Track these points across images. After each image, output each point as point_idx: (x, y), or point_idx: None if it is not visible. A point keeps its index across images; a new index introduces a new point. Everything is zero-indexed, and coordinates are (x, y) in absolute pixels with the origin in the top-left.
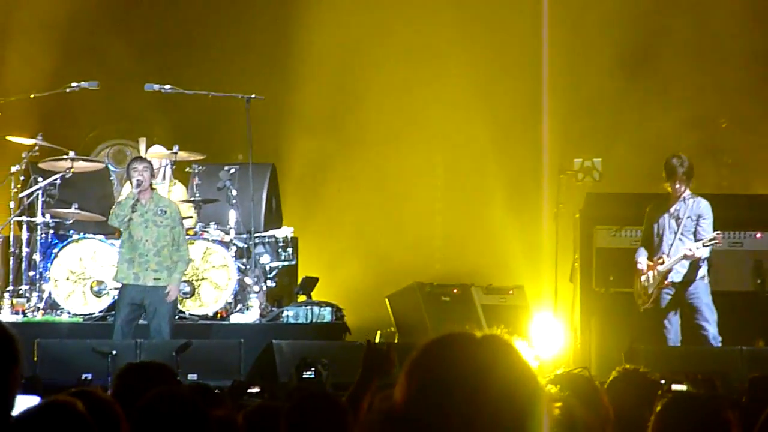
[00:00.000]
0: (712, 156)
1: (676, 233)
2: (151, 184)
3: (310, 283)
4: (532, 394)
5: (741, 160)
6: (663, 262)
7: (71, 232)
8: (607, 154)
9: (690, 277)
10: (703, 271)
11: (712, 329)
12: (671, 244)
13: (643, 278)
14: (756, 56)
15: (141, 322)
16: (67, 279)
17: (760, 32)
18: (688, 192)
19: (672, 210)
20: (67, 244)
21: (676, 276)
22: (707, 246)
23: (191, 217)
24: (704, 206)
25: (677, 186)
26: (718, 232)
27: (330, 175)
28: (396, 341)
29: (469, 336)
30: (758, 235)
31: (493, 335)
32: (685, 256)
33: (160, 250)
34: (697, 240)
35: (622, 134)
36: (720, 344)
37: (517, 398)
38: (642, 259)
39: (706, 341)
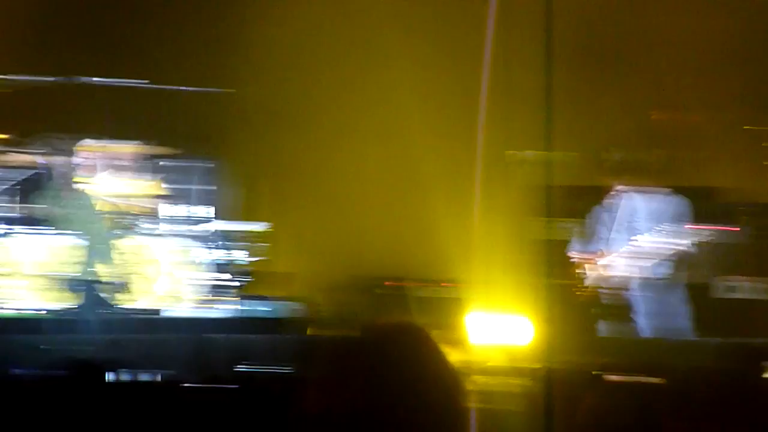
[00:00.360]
0: (648, 147)
1: (612, 230)
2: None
3: (251, 275)
4: (444, 377)
5: (678, 151)
6: (602, 256)
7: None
8: (541, 147)
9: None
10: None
11: (652, 319)
12: (608, 239)
13: (581, 270)
14: (706, 42)
15: None
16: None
17: (711, 17)
18: (624, 188)
19: (605, 205)
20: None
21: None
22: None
23: (132, 210)
24: (638, 204)
25: (615, 180)
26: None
27: (263, 176)
28: (335, 335)
29: (376, 328)
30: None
31: (397, 323)
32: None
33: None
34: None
35: (559, 126)
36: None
37: (432, 383)
38: (579, 253)
39: (644, 330)
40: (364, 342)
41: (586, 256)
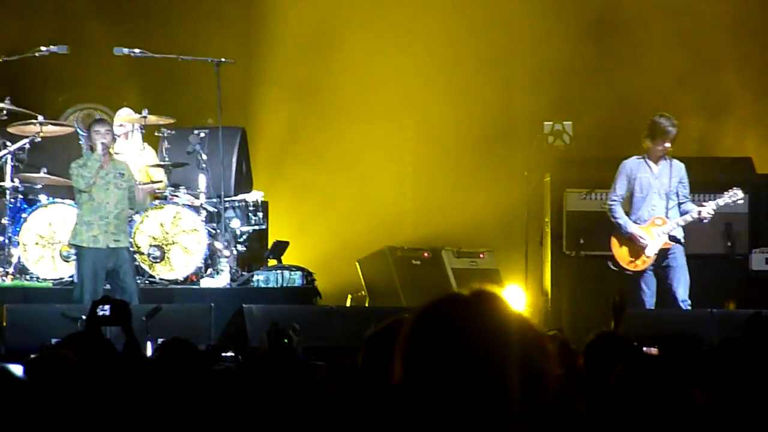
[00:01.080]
0: (684, 120)
1: (667, 194)
2: (111, 147)
3: (281, 247)
4: (533, 344)
5: (712, 122)
6: (663, 224)
7: (40, 196)
8: (577, 117)
9: (680, 239)
10: (682, 233)
11: (681, 292)
12: (667, 206)
13: (641, 238)
14: (731, 22)
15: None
16: (36, 244)
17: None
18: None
19: (656, 171)
20: (36, 209)
21: (678, 234)
22: (728, 203)
23: (161, 181)
24: (683, 169)
25: (666, 145)
26: (737, 188)
27: (300, 138)
28: (366, 305)
29: (456, 297)
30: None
31: (481, 291)
32: (700, 219)
33: (119, 213)
34: (681, 202)
35: (593, 97)
36: (689, 307)
37: (521, 350)
38: (627, 220)
39: (675, 303)
40: (445, 310)
41: (640, 224)
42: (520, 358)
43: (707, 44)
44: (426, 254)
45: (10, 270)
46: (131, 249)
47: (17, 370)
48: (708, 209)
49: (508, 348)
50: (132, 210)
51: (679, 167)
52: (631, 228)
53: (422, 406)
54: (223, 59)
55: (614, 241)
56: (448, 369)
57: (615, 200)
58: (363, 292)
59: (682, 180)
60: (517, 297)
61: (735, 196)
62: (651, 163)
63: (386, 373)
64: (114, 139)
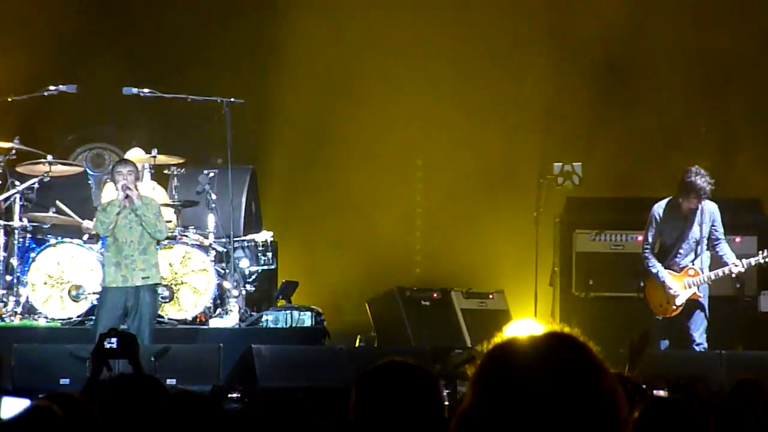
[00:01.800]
0: (693, 160)
1: (698, 241)
2: (136, 187)
3: (290, 287)
4: (606, 390)
5: (720, 165)
6: (696, 275)
7: (49, 236)
8: (587, 159)
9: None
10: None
11: (697, 335)
12: (697, 252)
13: (673, 288)
14: (741, 61)
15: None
16: (45, 283)
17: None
18: None
19: (688, 218)
20: (44, 249)
21: (707, 287)
22: (761, 262)
23: (170, 221)
24: (714, 209)
25: (700, 203)
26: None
27: (310, 179)
28: (376, 346)
29: (532, 335)
30: (737, 240)
31: (557, 331)
32: (732, 273)
33: (145, 249)
34: (716, 244)
35: (602, 139)
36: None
37: (590, 394)
38: (661, 268)
39: (690, 345)
40: (522, 346)
41: (672, 272)
42: (598, 398)
43: (717, 83)
44: (435, 295)
45: (19, 309)
46: (160, 285)
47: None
48: (740, 267)
49: (586, 387)
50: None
51: (710, 211)
52: (664, 277)
53: None
54: (232, 99)
55: (648, 285)
56: (505, 404)
57: (647, 248)
58: (373, 333)
59: (715, 223)
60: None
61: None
62: (682, 210)
63: (379, 415)
64: (137, 179)
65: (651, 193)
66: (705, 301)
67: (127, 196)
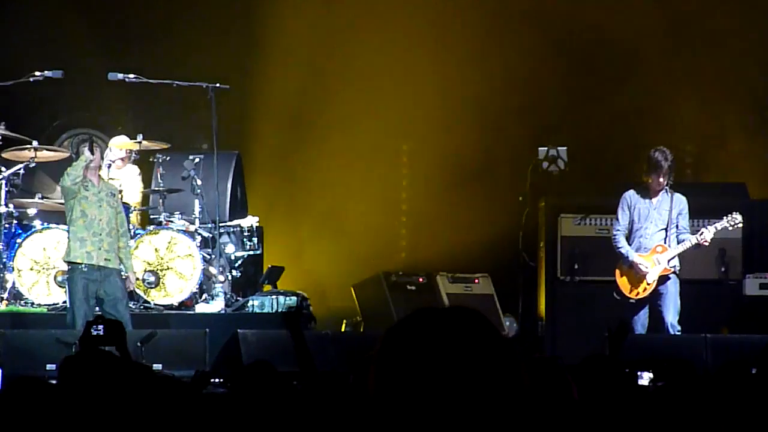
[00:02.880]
0: (675, 145)
1: (666, 226)
2: (100, 166)
3: (276, 272)
4: (507, 361)
5: (704, 149)
6: (664, 251)
7: (35, 222)
8: (572, 143)
9: (676, 267)
10: (677, 261)
11: (670, 317)
12: (666, 236)
13: (643, 266)
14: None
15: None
16: (31, 269)
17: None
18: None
19: (654, 201)
20: (30, 234)
21: (675, 262)
22: (726, 229)
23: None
24: (684, 202)
25: (660, 180)
26: (736, 212)
27: (295, 164)
28: (362, 330)
29: (432, 311)
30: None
31: (456, 307)
32: (698, 245)
33: (110, 231)
34: (680, 233)
35: (588, 123)
36: (678, 332)
37: (492, 367)
38: (629, 249)
39: (664, 327)
40: (418, 323)
41: (640, 254)
42: (492, 372)
43: (701, 69)
44: (421, 279)
45: (5, 295)
46: (122, 274)
47: None
48: (707, 234)
49: (478, 361)
50: (126, 239)
51: (679, 200)
52: (633, 257)
53: (394, 418)
54: (218, 85)
55: (617, 271)
56: (418, 381)
57: (618, 230)
58: (358, 318)
59: (682, 212)
60: (519, 320)
61: (734, 220)
62: (651, 194)
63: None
64: (101, 158)
65: (636, 178)
66: (673, 285)
67: (93, 163)
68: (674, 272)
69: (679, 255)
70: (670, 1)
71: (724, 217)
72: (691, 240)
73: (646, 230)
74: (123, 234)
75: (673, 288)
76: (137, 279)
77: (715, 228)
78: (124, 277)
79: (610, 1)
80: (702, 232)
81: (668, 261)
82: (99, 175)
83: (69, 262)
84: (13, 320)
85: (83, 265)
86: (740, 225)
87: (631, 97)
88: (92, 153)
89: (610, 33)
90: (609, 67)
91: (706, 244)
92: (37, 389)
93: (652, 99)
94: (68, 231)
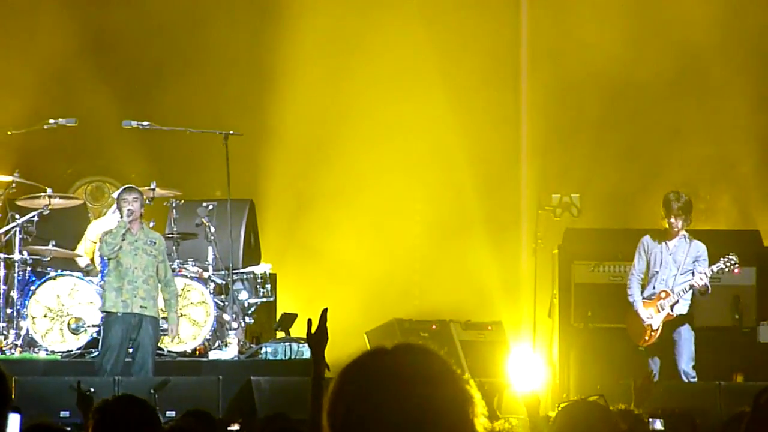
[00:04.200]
0: (692, 193)
1: (676, 273)
2: (141, 215)
3: (289, 319)
4: (455, 394)
5: (720, 196)
6: (667, 296)
7: (49, 269)
8: (585, 190)
9: (683, 312)
10: (688, 307)
11: (683, 364)
12: (674, 282)
13: (645, 315)
14: (746, 96)
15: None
16: (45, 316)
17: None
18: (684, 231)
19: (670, 247)
20: (44, 281)
21: (682, 309)
22: (723, 270)
23: None
24: (702, 249)
25: (672, 221)
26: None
27: (308, 212)
28: None
29: (379, 350)
30: (736, 271)
31: (405, 343)
32: (691, 286)
33: (147, 279)
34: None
35: (601, 170)
36: (693, 379)
37: (441, 400)
38: (637, 298)
39: (678, 374)
40: (366, 363)
41: (646, 300)
42: (446, 406)
43: (717, 113)
44: (434, 326)
45: (19, 342)
46: (158, 320)
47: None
48: (699, 275)
49: (428, 398)
50: (170, 288)
51: (697, 247)
52: (637, 306)
53: None
54: (231, 132)
55: (628, 316)
56: (375, 420)
57: (632, 276)
58: None
59: (698, 259)
60: (534, 368)
61: (730, 261)
62: (667, 239)
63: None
64: (142, 205)
65: (650, 224)
66: (686, 331)
67: (131, 222)
68: (685, 320)
69: (693, 302)
70: (680, 43)
71: (721, 259)
72: (691, 283)
73: (661, 275)
74: (166, 284)
75: (686, 335)
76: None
77: (711, 270)
78: (162, 328)
79: (626, 49)
80: (695, 273)
81: (671, 307)
82: (141, 223)
83: (105, 312)
84: (27, 367)
85: (118, 316)
86: (736, 266)
87: (644, 145)
88: (129, 215)
89: (624, 81)
90: (622, 115)
91: (698, 285)
92: None
93: (666, 146)
94: (104, 281)
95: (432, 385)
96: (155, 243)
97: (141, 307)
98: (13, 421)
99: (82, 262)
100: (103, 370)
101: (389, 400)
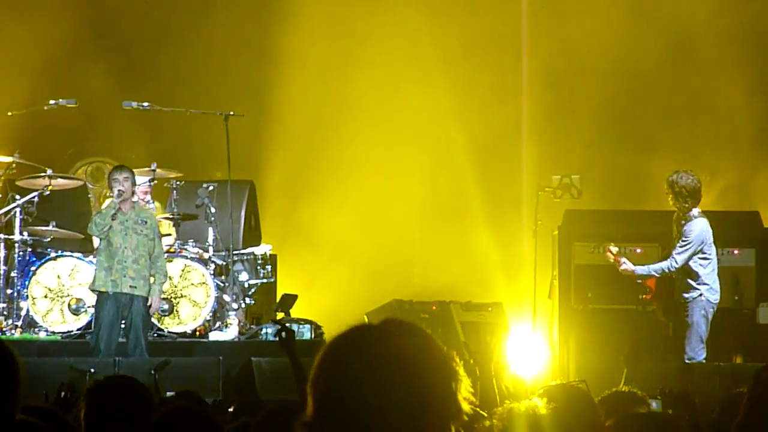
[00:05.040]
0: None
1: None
2: (132, 194)
3: (289, 300)
4: (439, 370)
5: (720, 177)
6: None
7: (49, 249)
8: (585, 171)
9: (685, 297)
10: (699, 291)
11: (689, 347)
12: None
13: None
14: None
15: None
16: (45, 297)
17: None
18: (695, 210)
19: (676, 226)
20: (44, 262)
21: (685, 291)
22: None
23: (170, 234)
24: (690, 228)
25: (671, 203)
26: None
27: (308, 192)
28: None
29: (364, 327)
30: (735, 252)
31: (389, 320)
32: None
33: (138, 258)
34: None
35: (601, 151)
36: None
37: (424, 377)
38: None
39: (683, 357)
40: (352, 340)
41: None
42: (430, 383)
43: (716, 95)
44: (434, 307)
45: (19, 323)
46: (147, 300)
47: None
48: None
49: (416, 374)
50: (157, 265)
51: (687, 225)
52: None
53: None
54: (231, 113)
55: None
56: (356, 397)
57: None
58: None
59: (683, 236)
60: (534, 349)
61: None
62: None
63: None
64: (133, 185)
65: (649, 205)
66: (690, 311)
67: (121, 202)
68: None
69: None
70: (678, 24)
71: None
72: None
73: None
74: (154, 260)
75: (693, 317)
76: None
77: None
78: (163, 308)
79: (628, 29)
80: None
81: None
82: (133, 203)
83: (94, 291)
84: (27, 348)
85: (108, 295)
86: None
87: (645, 124)
88: (119, 196)
89: (626, 61)
90: (624, 95)
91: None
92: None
93: (666, 127)
94: (96, 260)
95: (416, 362)
96: (146, 222)
97: (131, 287)
98: None
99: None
100: (97, 349)
101: (371, 376)
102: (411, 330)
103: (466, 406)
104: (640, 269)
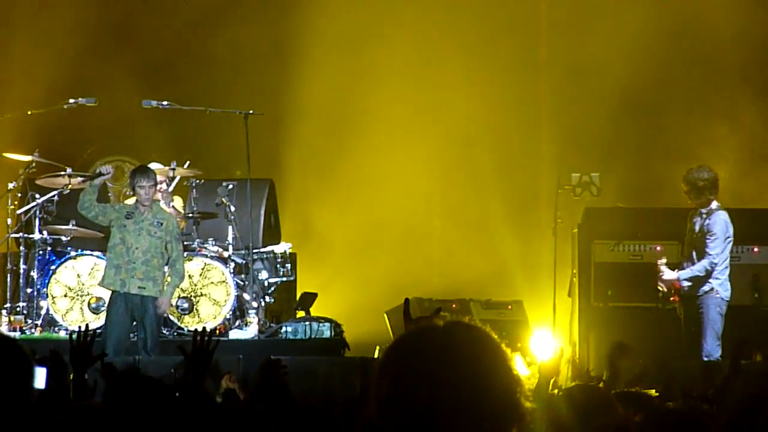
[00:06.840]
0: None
1: (691, 245)
2: (155, 192)
3: (309, 298)
4: (506, 372)
5: (738, 175)
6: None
7: (69, 248)
8: (605, 169)
9: (696, 291)
10: (710, 285)
11: (706, 344)
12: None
13: (660, 285)
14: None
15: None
16: (65, 296)
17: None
18: (715, 203)
19: (694, 221)
20: (64, 261)
21: (684, 288)
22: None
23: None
24: (714, 221)
25: (691, 199)
26: None
27: (327, 190)
28: None
29: (430, 327)
30: (756, 250)
31: (455, 321)
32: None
33: (148, 260)
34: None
35: (621, 149)
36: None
37: (492, 378)
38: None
39: (700, 355)
40: (417, 340)
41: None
42: (493, 386)
43: (738, 93)
44: (454, 305)
45: (39, 322)
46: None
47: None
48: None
49: (480, 375)
50: (175, 268)
51: (710, 219)
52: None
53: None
54: (251, 111)
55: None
56: (424, 397)
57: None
58: None
59: (710, 233)
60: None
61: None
62: (693, 215)
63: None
64: (156, 192)
65: (669, 203)
66: (706, 308)
67: (142, 206)
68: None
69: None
70: (700, 22)
71: None
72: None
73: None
74: (172, 263)
75: (709, 314)
76: (170, 306)
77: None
78: (183, 307)
79: (638, 26)
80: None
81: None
82: (153, 204)
83: (111, 297)
84: (48, 347)
85: (119, 298)
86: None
87: (665, 122)
88: (104, 174)
89: (646, 60)
90: (644, 93)
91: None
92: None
93: (686, 124)
94: (107, 256)
95: (483, 364)
96: (162, 224)
97: (139, 287)
98: (40, 374)
99: None
100: (107, 347)
101: (440, 376)
102: (479, 331)
103: (529, 409)
104: (683, 274)
